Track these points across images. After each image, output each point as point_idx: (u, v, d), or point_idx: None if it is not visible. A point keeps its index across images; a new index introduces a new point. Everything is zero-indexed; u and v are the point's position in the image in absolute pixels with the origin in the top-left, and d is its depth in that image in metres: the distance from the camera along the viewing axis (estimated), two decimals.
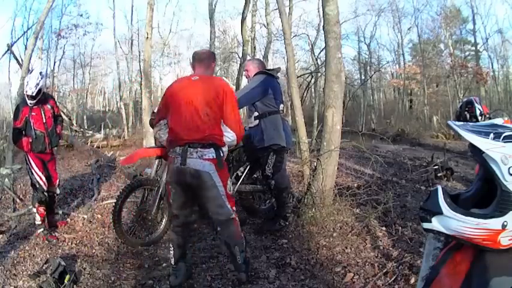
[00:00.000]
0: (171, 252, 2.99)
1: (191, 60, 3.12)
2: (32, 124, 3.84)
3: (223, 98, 2.81)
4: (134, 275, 3.18)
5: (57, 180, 4.18)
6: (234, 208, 2.94)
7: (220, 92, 2.82)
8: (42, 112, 3.92)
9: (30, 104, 3.83)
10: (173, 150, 2.82)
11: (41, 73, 3.82)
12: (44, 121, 3.92)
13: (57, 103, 4.34)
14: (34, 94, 3.75)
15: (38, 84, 3.73)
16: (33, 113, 3.85)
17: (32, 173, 3.92)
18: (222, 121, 2.82)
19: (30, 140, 3.85)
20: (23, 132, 3.86)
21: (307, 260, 3.28)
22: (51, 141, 3.97)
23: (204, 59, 3.02)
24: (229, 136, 2.87)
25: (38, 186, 3.90)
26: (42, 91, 3.87)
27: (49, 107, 4.00)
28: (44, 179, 3.94)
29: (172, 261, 3.00)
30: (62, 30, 17.76)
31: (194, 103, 2.77)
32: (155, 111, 3.33)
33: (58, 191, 4.24)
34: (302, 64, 22.46)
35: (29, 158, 3.91)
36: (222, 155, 2.81)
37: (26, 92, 3.77)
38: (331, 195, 3.98)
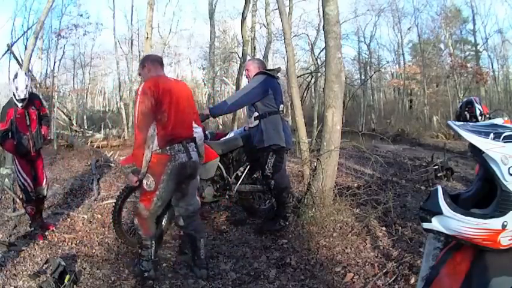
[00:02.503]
0: (152, 248, 3.04)
1: (150, 62, 3.07)
2: (16, 126, 3.80)
3: (192, 98, 3.23)
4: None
5: (44, 181, 4.08)
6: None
7: (191, 94, 3.24)
8: (27, 115, 3.86)
9: (21, 106, 3.80)
10: (170, 148, 2.87)
11: (26, 74, 3.85)
12: (28, 123, 3.86)
13: (43, 102, 4.32)
14: (27, 96, 3.75)
15: (27, 85, 3.74)
16: (17, 116, 3.80)
17: (17, 175, 3.90)
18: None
19: (15, 143, 3.81)
20: (8, 134, 3.82)
21: (307, 260, 3.28)
22: (35, 144, 3.91)
23: (162, 62, 3.18)
24: (199, 131, 3.21)
25: (23, 187, 3.90)
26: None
27: (34, 108, 3.94)
28: (29, 181, 3.90)
29: (153, 256, 3.06)
30: (62, 30, 17.67)
31: (183, 102, 3.00)
32: None
33: (45, 193, 4.14)
34: (302, 64, 22.44)
35: (15, 159, 3.90)
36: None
37: (19, 96, 3.74)
38: (331, 195, 3.98)
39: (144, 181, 2.93)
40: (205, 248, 3.14)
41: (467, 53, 21.55)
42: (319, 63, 12.83)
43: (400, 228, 3.65)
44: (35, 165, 4.02)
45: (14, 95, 3.79)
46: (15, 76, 3.82)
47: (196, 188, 3.14)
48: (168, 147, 2.86)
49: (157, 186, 2.87)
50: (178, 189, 3.02)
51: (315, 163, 4.17)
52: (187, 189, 3.05)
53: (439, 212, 1.12)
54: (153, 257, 3.05)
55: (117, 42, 19.55)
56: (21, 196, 4.06)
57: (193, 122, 3.14)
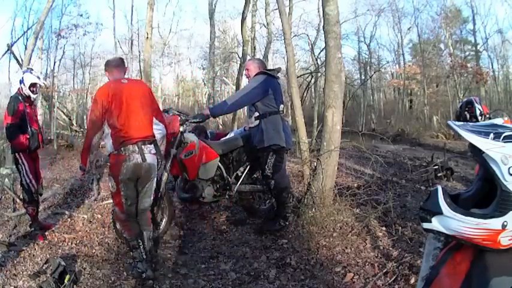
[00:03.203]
0: (141, 247, 3.06)
1: (107, 68, 3.26)
2: (27, 121, 3.81)
3: (152, 97, 3.26)
4: (134, 275, 3.17)
5: (41, 179, 4.15)
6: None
7: (149, 92, 3.26)
8: (33, 110, 3.96)
9: (33, 98, 3.90)
10: (125, 149, 2.96)
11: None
12: (35, 119, 3.98)
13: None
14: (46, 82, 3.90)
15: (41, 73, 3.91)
16: (27, 110, 3.83)
17: (24, 175, 3.85)
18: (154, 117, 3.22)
19: (28, 137, 3.79)
20: (16, 129, 3.79)
21: (307, 260, 3.28)
22: (43, 139, 4.03)
23: (121, 65, 3.25)
24: (160, 128, 3.31)
25: (27, 188, 3.86)
26: None
27: (35, 105, 4.06)
28: (33, 181, 3.89)
29: (144, 255, 3.07)
30: (62, 30, 17.63)
31: (136, 104, 3.03)
32: None
33: (42, 192, 4.20)
34: (302, 64, 22.40)
35: (22, 158, 3.84)
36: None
37: (44, 84, 3.89)
38: (331, 195, 3.98)
39: (109, 184, 3.11)
40: (150, 241, 3.16)
41: (467, 53, 21.54)
42: (319, 63, 12.82)
43: (400, 228, 3.65)
44: (36, 163, 4.03)
45: (30, 86, 3.82)
46: (30, 70, 3.92)
47: (152, 190, 3.19)
48: (122, 148, 2.96)
49: (118, 187, 3.00)
50: (135, 188, 3.10)
51: (315, 163, 4.16)
52: (143, 190, 3.12)
53: (439, 212, 1.12)
54: (145, 256, 3.08)
55: (117, 42, 19.53)
56: (21, 196, 4.04)
57: (155, 118, 3.19)
